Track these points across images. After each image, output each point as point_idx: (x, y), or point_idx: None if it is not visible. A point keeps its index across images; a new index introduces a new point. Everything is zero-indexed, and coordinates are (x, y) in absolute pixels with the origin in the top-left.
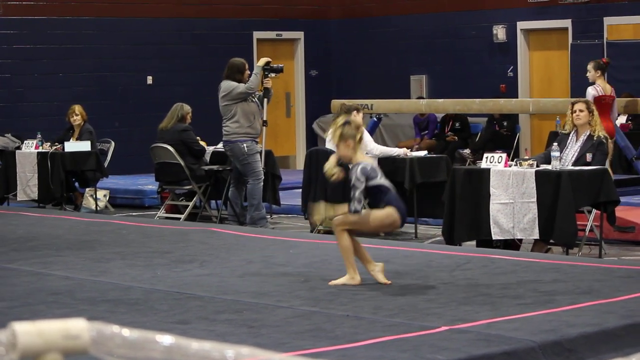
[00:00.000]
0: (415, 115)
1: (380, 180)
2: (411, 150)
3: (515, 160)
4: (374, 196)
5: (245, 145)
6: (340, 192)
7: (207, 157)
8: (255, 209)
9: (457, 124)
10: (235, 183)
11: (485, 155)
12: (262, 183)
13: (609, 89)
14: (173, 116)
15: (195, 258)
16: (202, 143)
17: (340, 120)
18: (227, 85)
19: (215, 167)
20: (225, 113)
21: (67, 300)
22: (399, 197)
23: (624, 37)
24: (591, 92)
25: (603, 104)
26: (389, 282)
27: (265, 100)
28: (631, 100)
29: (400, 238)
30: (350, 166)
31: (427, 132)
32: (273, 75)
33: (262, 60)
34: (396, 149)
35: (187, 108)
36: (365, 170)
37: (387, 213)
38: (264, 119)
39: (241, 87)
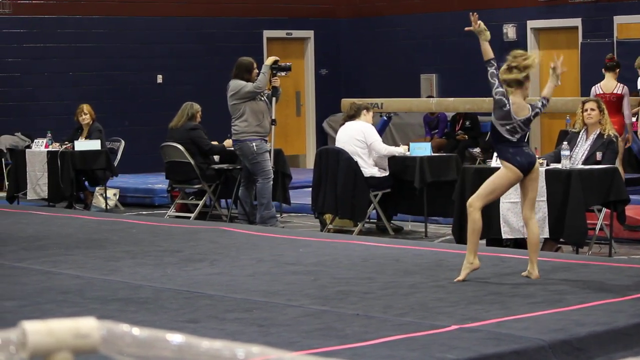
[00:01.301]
0: (425, 114)
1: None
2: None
3: None
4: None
5: (254, 144)
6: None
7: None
8: (265, 208)
9: (467, 123)
10: (245, 182)
11: (495, 154)
12: (271, 182)
13: (611, 87)
14: (183, 115)
15: (205, 257)
16: (226, 143)
17: (504, 66)
18: (235, 84)
19: (225, 166)
20: (234, 112)
21: (77, 299)
22: (521, 148)
23: (634, 35)
24: (591, 91)
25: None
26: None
27: (274, 99)
28: (638, 100)
29: (410, 237)
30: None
31: (437, 131)
32: (283, 74)
33: (270, 59)
34: (399, 147)
35: (196, 107)
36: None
37: (504, 170)
38: (273, 117)
39: (249, 86)
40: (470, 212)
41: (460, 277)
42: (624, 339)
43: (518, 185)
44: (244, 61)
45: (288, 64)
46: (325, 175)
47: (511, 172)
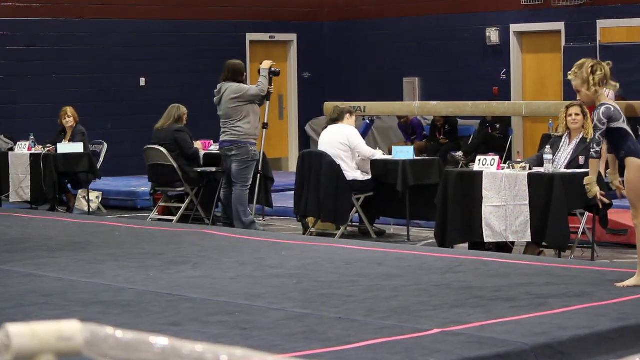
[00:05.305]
0: (398, 122)
1: (622, 123)
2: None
3: (507, 162)
4: (613, 140)
5: (253, 148)
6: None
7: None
8: (244, 215)
9: (446, 127)
10: (227, 185)
11: (477, 157)
12: (248, 190)
13: None
14: (170, 116)
15: (187, 260)
16: (197, 144)
17: (572, 69)
18: (238, 87)
19: (207, 169)
20: (234, 114)
21: (60, 301)
22: (637, 142)
23: (617, 39)
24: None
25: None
26: None
27: (267, 102)
28: (623, 103)
29: (392, 240)
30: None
31: (415, 136)
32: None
33: (267, 64)
34: (378, 151)
35: (183, 109)
36: (609, 112)
37: (636, 168)
38: (265, 121)
39: (253, 89)
40: (637, 225)
41: (624, 283)
42: (606, 342)
43: (502, 188)
44: (237, 65)
45: (277, 69)
46: (308, 179)
47: None
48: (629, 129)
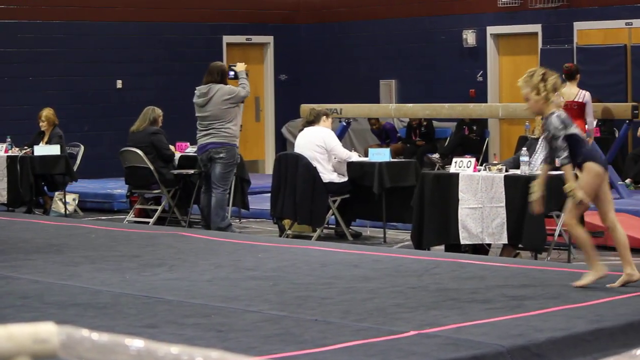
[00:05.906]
0: (370, 128)
1: (575, 129)
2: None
3: (484, 164)
4: (571, 147)
5: (238, 150)
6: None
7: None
8: (222, 219)
9: (422, 128)
10: (205, 188)
11: (454, 159)
12: (227, 193)
13: (572, 95)
14: (145, 119)
15: (163, 262)
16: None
17: (523, 77)
18: (230, 89)
19: (184, 171)
20: (225, 116)
21: (36, 304)
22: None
23: (594, 42)
24: None
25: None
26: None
27: (242, 105)
28: (599, 105)
29: (368, 243)
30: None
31: (389, 140)
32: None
33: (243, 66)
34: (355, 153)
35: (158, 111)
36: (561, 118)
37: (593, 174)
38: (240, 123)
39: (242, 91)
40: (570, 227)
41: (581, 282)
42: (582, 344)
43: (478, 190)
44: (224, 67)
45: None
46: (284, 181)
47: (600, 176)
48: (582, 135)
